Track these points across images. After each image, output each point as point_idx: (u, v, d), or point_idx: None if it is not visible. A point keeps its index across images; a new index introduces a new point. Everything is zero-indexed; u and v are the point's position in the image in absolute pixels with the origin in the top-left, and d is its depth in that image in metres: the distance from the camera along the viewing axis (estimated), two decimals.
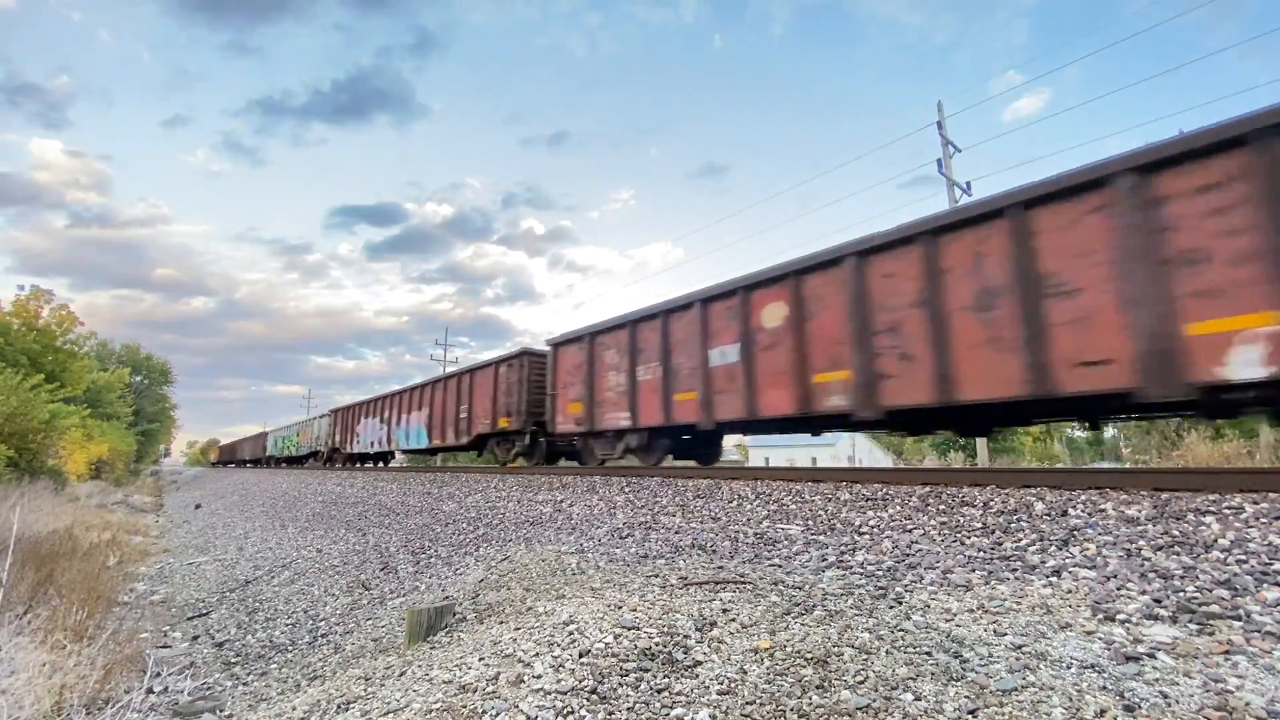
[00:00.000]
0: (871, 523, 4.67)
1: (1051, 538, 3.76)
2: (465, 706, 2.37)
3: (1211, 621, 2.60)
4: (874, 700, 2.18)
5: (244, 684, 4.69)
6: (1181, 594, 2.86)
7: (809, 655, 2.53)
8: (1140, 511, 3.88)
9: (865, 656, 2.51)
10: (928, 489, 5.26)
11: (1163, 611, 2.73)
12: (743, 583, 3.67)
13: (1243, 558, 3.08)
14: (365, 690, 2.98)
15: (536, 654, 2.73)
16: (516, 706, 2.29)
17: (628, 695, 2.32)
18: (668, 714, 2.19)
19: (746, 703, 2.22)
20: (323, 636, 5.43)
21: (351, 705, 2.82)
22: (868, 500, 5.23)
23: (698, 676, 2.43)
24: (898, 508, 4.89)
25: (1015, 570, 3.43)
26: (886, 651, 2.55)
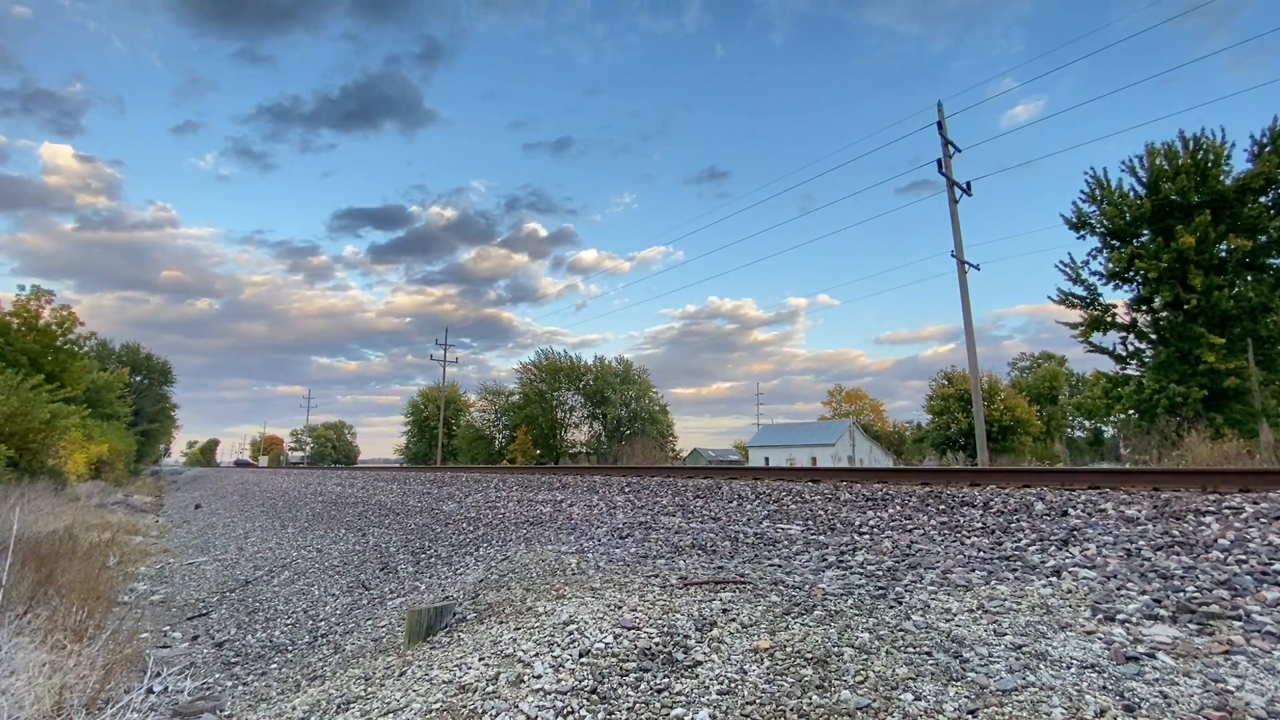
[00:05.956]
0: (871, 523, 4.67)
1: (1051, 538, 3.76)
2: (465, 706, 2.37)
3: (1211, 621, 2.59)
4: (874, 700, 2.18)
5: (244, 684, 4.68)
6: (1181, 594, 2.85)
7: (809, 655, 2.53)
8: (1140, 511, 3.88)
9: (865, 656, 2.51)
10: (928, 489, 5.26)
11: (1163, 611, 2.73)
12: (743, 583, 3.66)
13: (1243, 558, 3.08)
14: (365, 690, 2.98)
15: (536, 654, 2.73)
16: (516, 706, 2.29)
17: (628, 695, 2.32)
18: (668, 714, 2.19)
19: (746, 703, 2.21)
20: (322, 636, 5.42)
21: (351, 705, 2.82)
22: (868, 500, 5.23)
23: (698, 676, 2.43)
24: (898, 508, 4.89)
25: (1015, 570, 3.43)
26: (886, 651, 2.55)
